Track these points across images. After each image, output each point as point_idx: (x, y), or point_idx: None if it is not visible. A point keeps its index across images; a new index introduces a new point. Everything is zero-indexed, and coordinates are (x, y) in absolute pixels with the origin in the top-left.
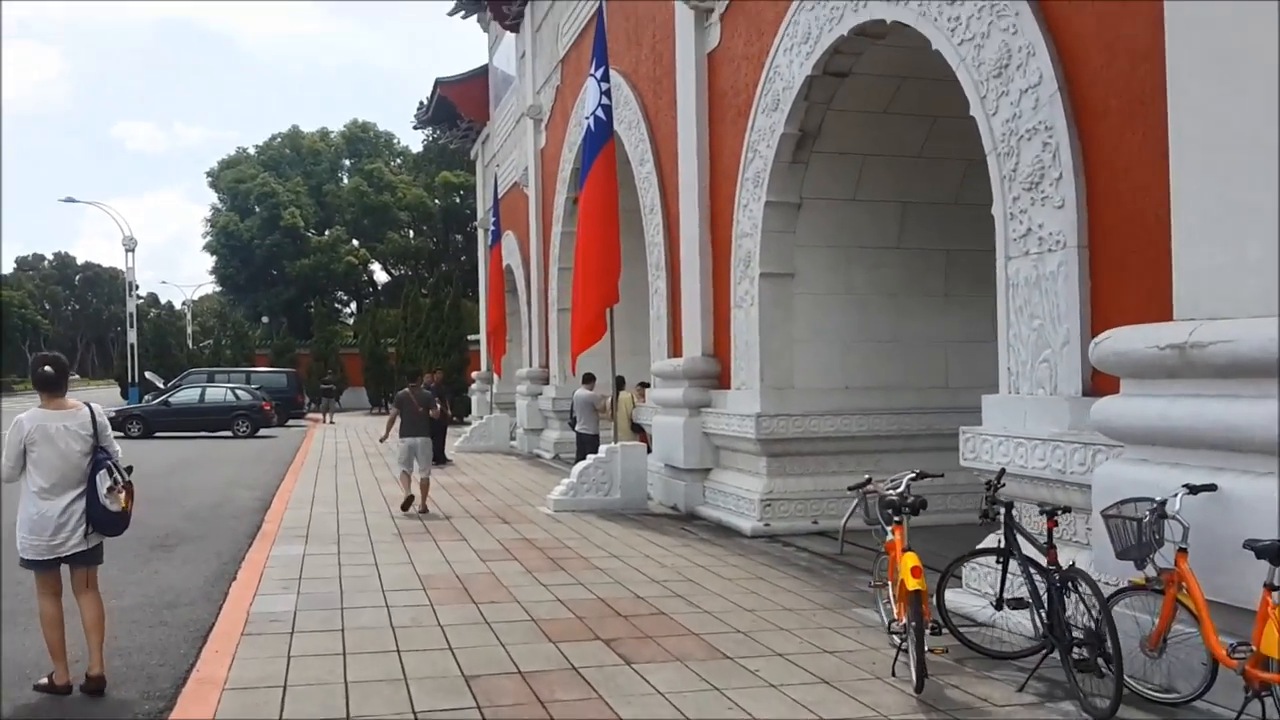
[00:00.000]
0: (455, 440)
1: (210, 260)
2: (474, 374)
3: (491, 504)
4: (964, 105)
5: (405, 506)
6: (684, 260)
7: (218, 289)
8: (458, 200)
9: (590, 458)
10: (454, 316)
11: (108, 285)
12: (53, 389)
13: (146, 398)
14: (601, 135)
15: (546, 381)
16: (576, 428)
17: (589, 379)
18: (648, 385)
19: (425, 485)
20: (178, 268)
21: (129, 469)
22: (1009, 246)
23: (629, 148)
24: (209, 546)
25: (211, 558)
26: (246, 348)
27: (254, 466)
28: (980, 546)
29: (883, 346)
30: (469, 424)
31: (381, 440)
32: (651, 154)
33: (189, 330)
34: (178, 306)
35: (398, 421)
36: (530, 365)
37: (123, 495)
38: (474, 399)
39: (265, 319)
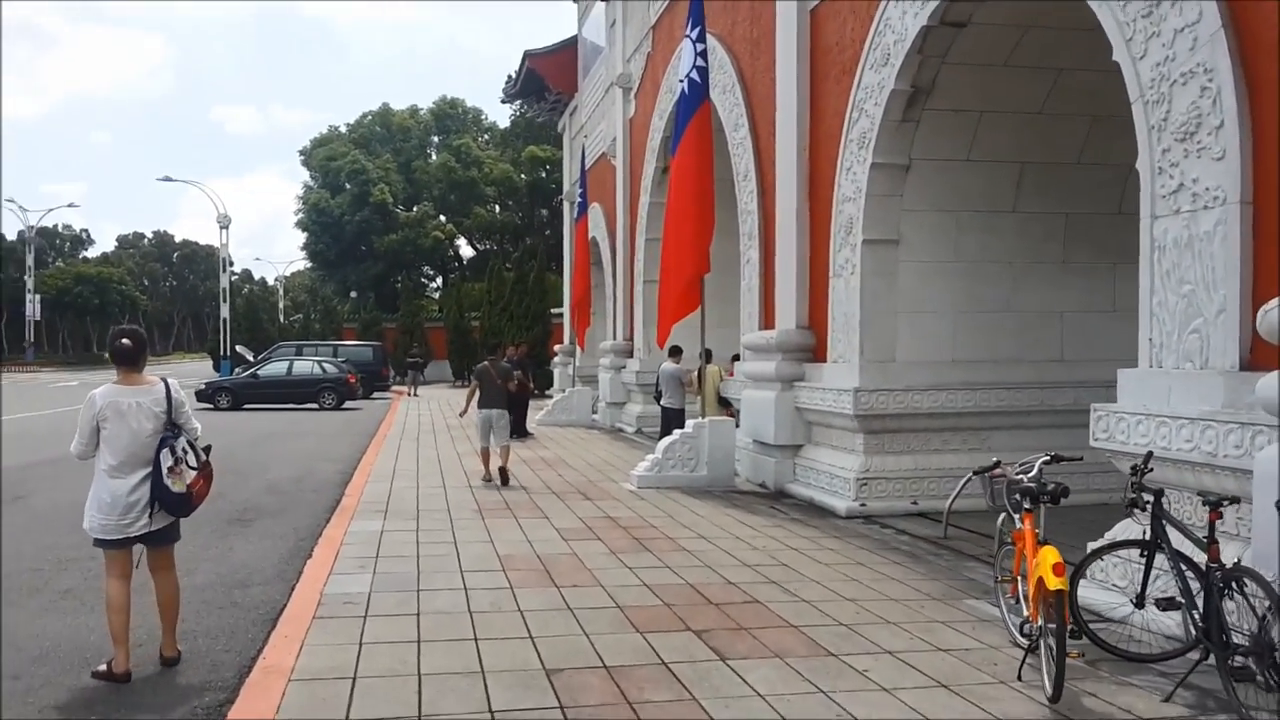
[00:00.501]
0: (537, 414)
1: (302, 237)
2: (556, 347)
3: (573, 479)
4: (1091, 57)
5: (486, 481)
6: (779, 228)
7: (309, 265)
8: (544, 175)
9: (676, 433)
10: (538, 290)
11: (204, 262)
12: (129, 363)
13: (236, 371)
14: (696, 98)
15: (630, 355)
16: (662, 402)
17: (675, 352)
18: (737, 358)
19: (505, 453)
20: (273, 246)
21: (207, 448)
22: (1155, 204)
23: (723, 113)
24: (287, 521)
25: (289, 533)
26: (335, 321)
27: (337, 439)
28: (1122, 538)
29: (994, 317)
30: (551, 397)
31: (461, 414)
32: (747, 118)
33: (280, 305)
34: (270, 282)
35: (477, 394)
36: (614, 339)
37: (188, 474)
38: (556, 372)
39: (354, 294)
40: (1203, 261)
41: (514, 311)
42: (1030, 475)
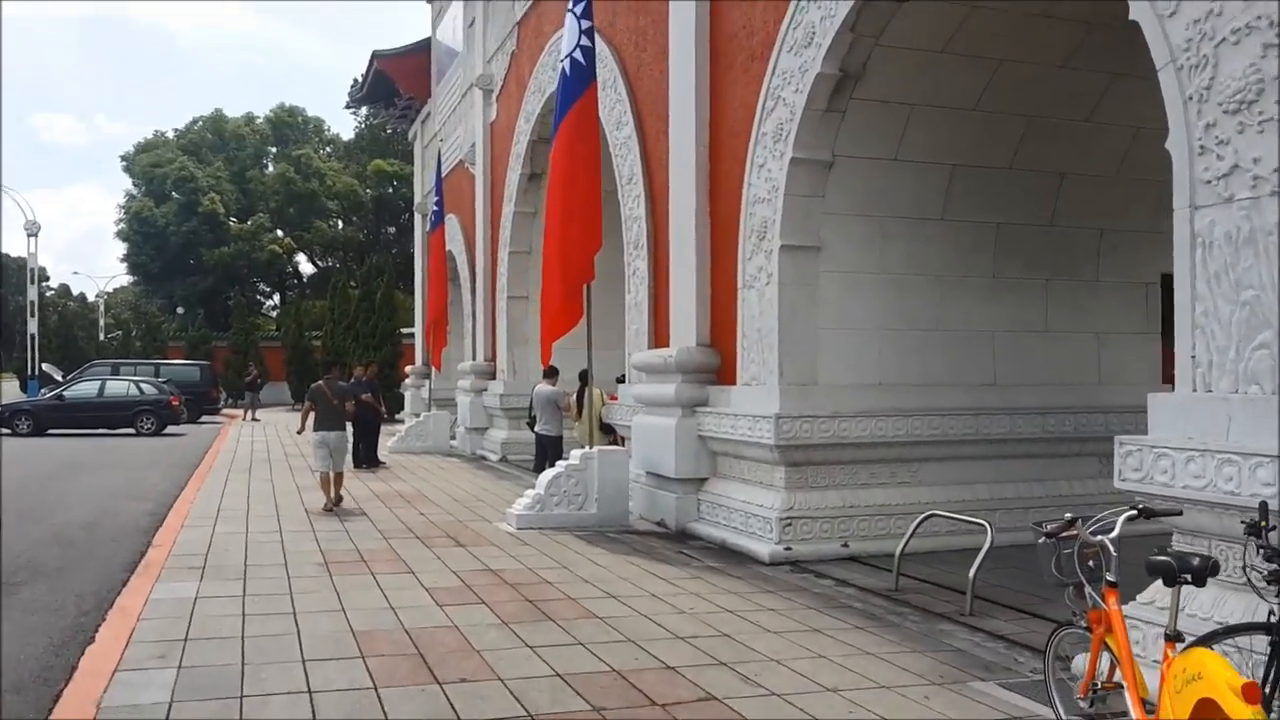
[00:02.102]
0: (389, 440)
1: (123, 248)
2: (408, 368)
3: (439, 519)
4: (1035, 48)
5: (328, 511)
6: (674, 235)
7: (132, 279)
8: (391, 190)
9: (561, 464)
10: (386, 308)
11: (15, 275)
12: None
13: (43, 392)
14: (580, 79)
15: (493, 376)
16: (536, 428)
17: (551, 373)
18: (622, 380)
19: (339, 479)
20: (95, 261)
21: None
22: (1197, 191)
23: (603, 112)
24: (68, 586)
25: (67, 604)
26: (159, 340)
27: (153, 470)
28: (1239, 620)
29: (922, 336)
30: (403, 422)
31: (298, 433)
32: (632, 115)
33: (101, 322)
34: (91, 299)
35: (312, 416)
36: (474, 359)
37: None
38: (408, 395)
39: (180, 310)
40: (1269, 261)
41: (360, 331)
42: (1111, 535)
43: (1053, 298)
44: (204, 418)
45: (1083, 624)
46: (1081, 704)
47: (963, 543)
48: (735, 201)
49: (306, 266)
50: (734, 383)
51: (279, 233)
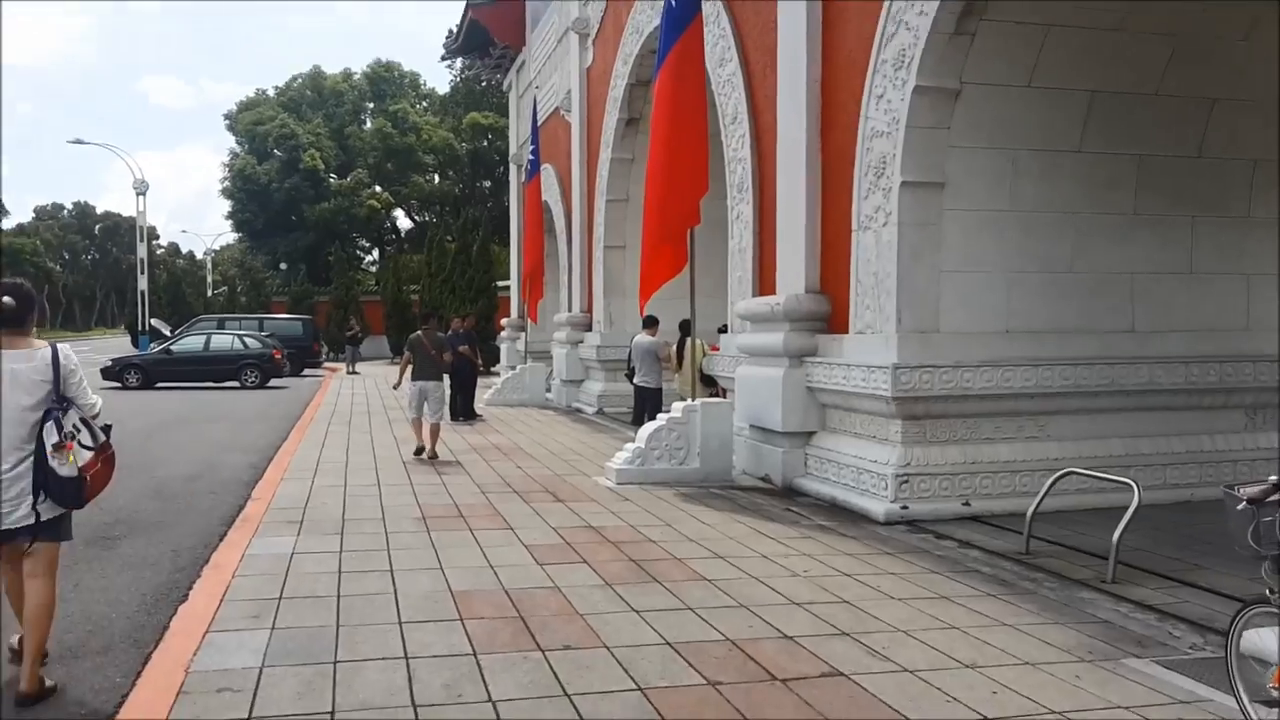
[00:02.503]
0: (484, 393)
1: (228, 206)
2: (504, 321)
3: (537, 473)
4: None
5: (418, 453)
6: (782, 175)
7: (237, 236)
8: (486, 143)
9: (662, 417)
10: (483, 261)
11: (128, 235)
12: (11, 324)
13: (152, 346)
14: (685, 12)
15: (589, 328)
16: (635, 380)
17: (650, 323)
18: (723, 330)
19: (436, 431)
20: (203, 220)
21: (107, 427)
22: None
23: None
24: (165, 539)
25: (163, 559)
26: (263, 295)
27: (255, 423)
28: None
29: (1054, 280)
30: (498, 375)
31: (395, 387)
32: (736, 50)
33: (208, 279)
34: (199, 257)
35: (410, 367)
36: (570, 310)
37: (83, 455)
38: (504, 348)
39: (283, 266)
40: None
41: (456, 284)
42: None
43: (1199, 237)
44: (306, 371)
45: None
46: (1276, 693)
47: (1095, 502)
48: (849, 138)
49: (404, 221)
50: (846, 331)
51: (377, 188)
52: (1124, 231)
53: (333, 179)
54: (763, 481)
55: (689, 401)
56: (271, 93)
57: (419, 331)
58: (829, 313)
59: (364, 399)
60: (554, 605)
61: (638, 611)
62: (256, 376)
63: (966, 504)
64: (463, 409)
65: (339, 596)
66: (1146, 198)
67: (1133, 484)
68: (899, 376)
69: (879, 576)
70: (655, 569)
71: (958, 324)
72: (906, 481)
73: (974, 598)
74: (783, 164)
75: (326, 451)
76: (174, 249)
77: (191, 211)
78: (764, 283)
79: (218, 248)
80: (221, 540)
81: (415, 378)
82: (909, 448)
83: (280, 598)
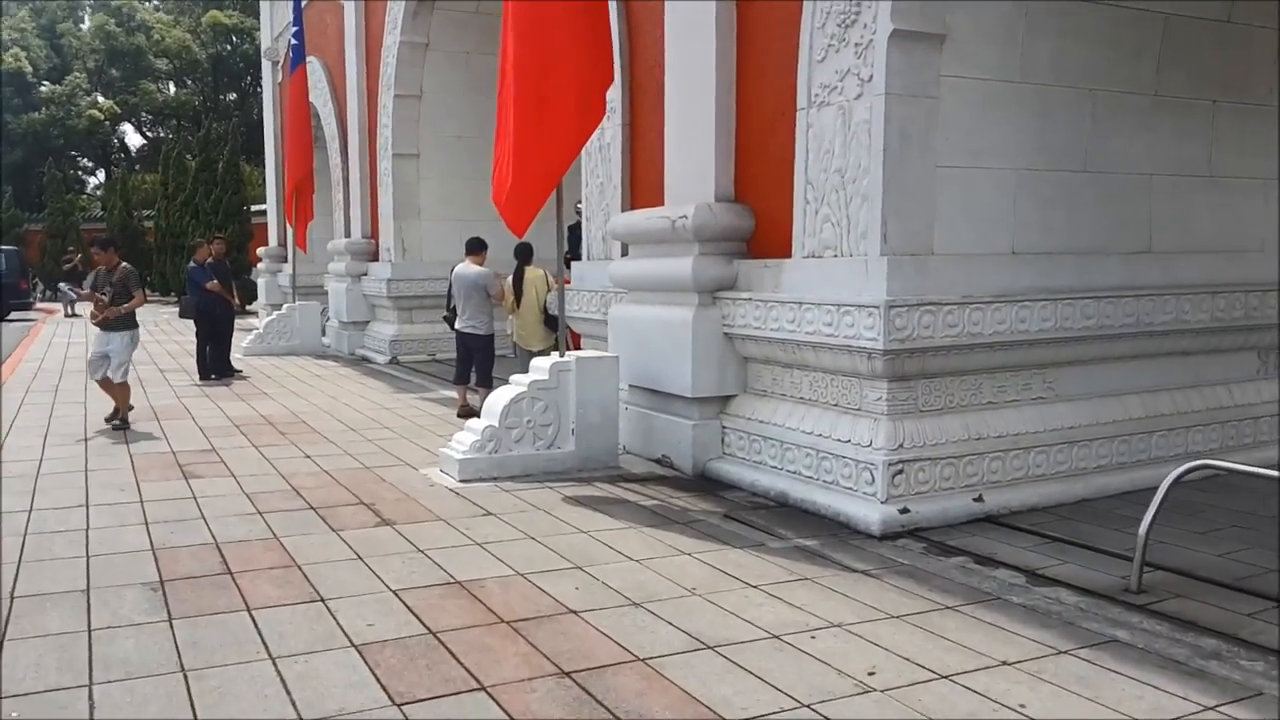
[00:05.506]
0: (244, 340)
1: None
2: (261, 250)
3: (337, 466)
4: None
5: (110, 420)
6: (671, 36)
7: None
8: (230, 47)
9: (515, 381)
10: (231, 179)
11: None
12: None
13: None
14: None
15: (374, 257)
16: (458, 324)
17: (477, 248)
18: (572, 259)
19: (124, 391)
20: None
21: None
22: None
23: None
24: None
25: None
26: None
27: None
28: None
29: (1070, 180)
30: (255, 316)
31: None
32: None
33: None
34: None
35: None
36: (349, 235)
37: None
38: (262, 283)
39: None
40: None
41: (200, 207)
42: None
43: (1220, 128)
44: (14, 316)
45: None
46: None
47: (1114, 484)
48: None
49: (135, 138)
50: (785, 254)
51: (99, 98)
52: (1145, 116)
53: (45, 86)
54: (660, 465)
55: (559, 356)
56: None
57: (71, 259)
58: (752, 229)
59: (82, 351)
60: None
61: None
62: None
63: (979, 499)
64: (214, 364)
65: None
66: (1168, 75)
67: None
68: (893, 320)
69: (992, 675)
70: (622, 698)
71: (956, 242)
72: (901, 471)
73: (1106, 684)
74: (672, 20)
75: (15, 438)
76: None
77: None
78: (637, 192)
79: None
80: None
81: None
82: (898, 421)
83: None
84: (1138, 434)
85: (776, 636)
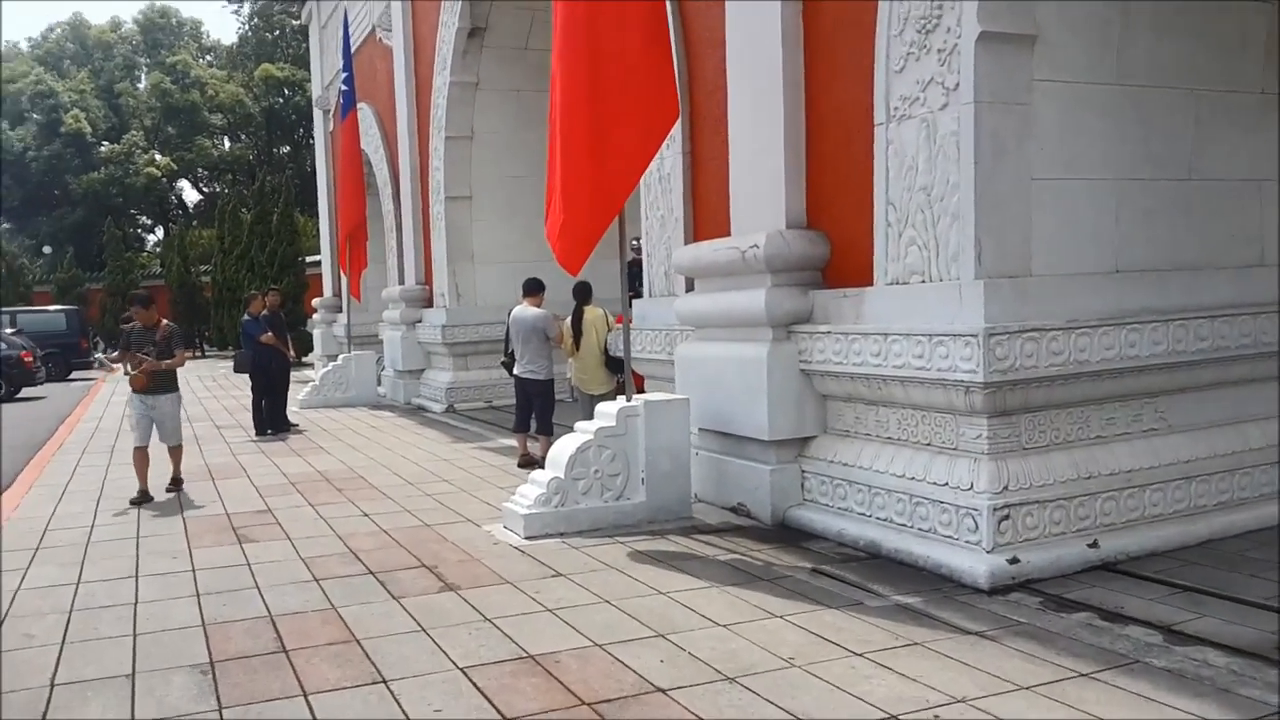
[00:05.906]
0: (299, 392)
1: None
2: (316, 301)
3: (396, 525)
4: None
5: (137, 502)
6: (733, 54)
7: None
8: (283, 99)
9: (580, 429)
10: (286, 231)
11: None
12: None
13: None
14: None
15: (429, 303)
16: (516, 369)
17: (534, 289)
18: (636, 296)
19: (177, 454)
20: None
21: None
22: None
23: None
24: None
25: None
26: (23, 285)
27: None
28: None
29: (1174, 190)
30: (311, 368)
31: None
32: None
33: None
34: None
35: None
36: (403, 283)
37: None
38: (318, 334)
39: (47, 249)
40: None
41: (255, 259)
42: None
43: None
44: (75, 374)
45: None
46: None
47: (1243, 521)
48: None
49: (191, 194)
50: (866, 282)
51: (156, 155)
52: (1254, 117)
53: (103, 145)
54: (735, 514)
55: (626, 401)
56: (25, 46)
57: (131, 318)
58: (827, 257)
59: None
60: None
61: None
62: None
63: (1094, 544)
64: (271, 418)
65: None
66: (1275, 68)
67: None
68: (993, 349)
69: None
70: None
71: (1056, 261)
72: (1008, 517)
73: None
74: (733, 37)
75: (65, 505)
76: None
77: None
78: (701, 223)
79: None
80: None
81: (140, 388)
82: (1000, 461)
83: None
84: (1260, 465)
85: (895, 717)
